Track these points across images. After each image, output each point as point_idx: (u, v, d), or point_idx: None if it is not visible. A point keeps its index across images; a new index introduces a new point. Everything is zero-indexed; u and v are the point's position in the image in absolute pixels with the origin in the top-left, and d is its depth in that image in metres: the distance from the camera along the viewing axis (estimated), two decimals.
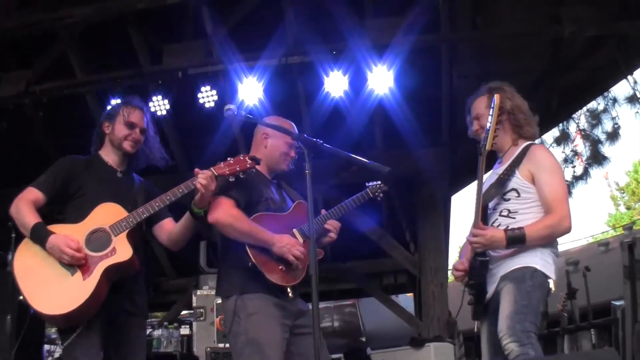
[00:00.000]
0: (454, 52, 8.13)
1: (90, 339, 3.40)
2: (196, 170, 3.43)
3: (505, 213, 3.61)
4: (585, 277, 7.12)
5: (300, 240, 3.69)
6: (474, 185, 4.02)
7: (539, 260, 3.48)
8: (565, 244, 16.47)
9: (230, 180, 3.47)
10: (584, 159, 10.84)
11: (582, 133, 10.65)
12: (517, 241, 3.46)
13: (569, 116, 9.92)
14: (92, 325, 3.40)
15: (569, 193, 11.08)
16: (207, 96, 7.51)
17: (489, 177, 3.79)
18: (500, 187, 3.63)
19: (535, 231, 3.46)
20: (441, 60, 8.17)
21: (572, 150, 10.90)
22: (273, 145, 3.86)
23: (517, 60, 8.32)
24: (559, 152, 10.71)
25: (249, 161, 3.47)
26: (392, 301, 10.96)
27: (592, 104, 10.10)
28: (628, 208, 27.30)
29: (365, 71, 7.18)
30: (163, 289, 11.23)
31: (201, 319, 7.63)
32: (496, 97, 3.55)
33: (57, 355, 7.83)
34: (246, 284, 3.57)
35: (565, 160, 10.97)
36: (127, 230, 3.44)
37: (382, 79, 7.20)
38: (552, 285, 3.50)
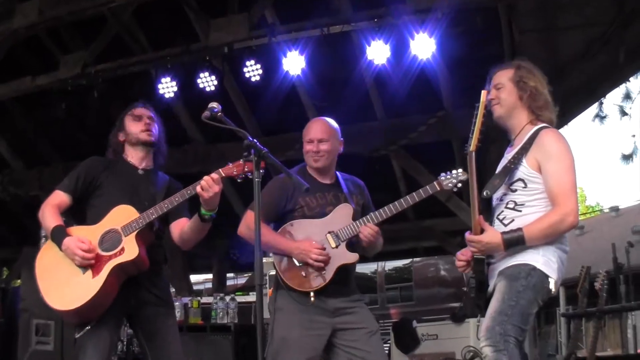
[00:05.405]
0: (510, 9, 7.75)
1: (101, 332, 3.55)
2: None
3: (511, 205, 3.39)
4: (628, 252, 6.68)
5: (333, 244, 3.75)
6: None
7: (540, 258, 3.25)
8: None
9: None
10: None
11: None
12: (515, 244, 3.26)
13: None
14: (104, 320, 3.56)
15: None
16: (252, 70, 7.52)
17: (501, 162, 3.55)
18: (506, 177, 3.40)
19: (534, 231, 3.24)
20: (499, 18, 7.84)
21: None
22: (304, 149, 3.94)
23: (580, 12, 7.83)
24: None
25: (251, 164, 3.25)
26: None
27: None
28: None
29: (407, 38, 6.96)
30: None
31: (266, 285, 7.66)
32: (483, 93, 3.34)
33: None
34: (279, 280, 3.80)
35: None
36: (136, 231, 3.55)
37: (424, 45, 6.96)
38: (552, 285, 3.24)
